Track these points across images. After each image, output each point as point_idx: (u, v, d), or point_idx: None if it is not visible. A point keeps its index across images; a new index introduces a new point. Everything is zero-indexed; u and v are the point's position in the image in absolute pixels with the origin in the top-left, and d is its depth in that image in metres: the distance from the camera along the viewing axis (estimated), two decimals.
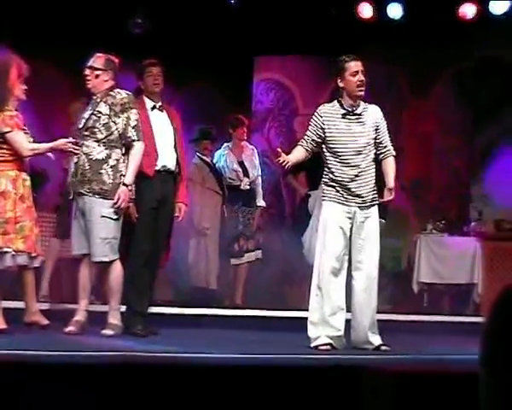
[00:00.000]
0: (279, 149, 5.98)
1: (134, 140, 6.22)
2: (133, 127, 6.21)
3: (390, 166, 6.04)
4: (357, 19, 10.04)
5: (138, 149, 6.24)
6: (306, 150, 6.03)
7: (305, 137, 6.04)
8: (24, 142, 5.97)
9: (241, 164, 9.32)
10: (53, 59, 9.21)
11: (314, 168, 6.11)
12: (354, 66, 5.93)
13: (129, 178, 6.19)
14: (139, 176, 6.35)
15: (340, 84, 5.98)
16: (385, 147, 6.04)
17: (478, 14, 9.82)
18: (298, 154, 6.05)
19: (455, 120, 10.45)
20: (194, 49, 9.70)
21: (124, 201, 6.13)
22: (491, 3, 9.76)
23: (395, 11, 10.02)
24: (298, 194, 9.89)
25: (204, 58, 9.82)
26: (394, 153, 6.09)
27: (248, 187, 9.27)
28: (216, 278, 8.99)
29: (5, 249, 5.87)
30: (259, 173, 9.47)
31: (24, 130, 6.02)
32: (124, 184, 6.15)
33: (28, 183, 6.06)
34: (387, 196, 5.99)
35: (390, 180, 6.01)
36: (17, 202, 5.94)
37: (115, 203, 6.11)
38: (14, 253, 5.90)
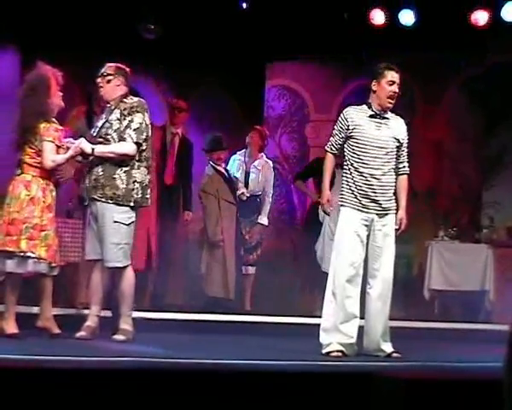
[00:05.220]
0: (325, 201, 6.03)
1: (130, 141, 6.18)
2: (134, 130, 6.17)
3: (403, 187, 6.04)
4: (370, 25, 10.03)
5: (128, 146, 6.16)
6: (336, 156, 6.05)
7: (333, 140, 6.01)
8: (50, 154, 6.06)
9: (247, 174, 9.26)
10: (63, 65, 9.22)
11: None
12: (392, 76, 5.92)
13: (99, 149, 6.13)
14: None
15: (374, 88, 5.96)
16: (402, 162, 6.04)
17: (490, 20, 9.80)
18: (332, 169, 6.06)
19: (466, 125, 10.41)
20: (205, 55, 9.71)
21: None
22: (503, 9, 9.74)
23: (407, 18, 10.01)
24: (308, 200, 9.85)
25: (216, 63, 9.82)
26: (408, 171, 6.09)
27: (245, 198, 9.12)
28: (234, 288, 8.81)
29: (28, 254, 5.96)
30: (270, 190, 9.32)
31: (62, 146, 6.12)
32: (92, 153, 6.12)
33: (54, 194, 6.18)
34: (397, 225, 5.96)
35: (401, 209, 5.99)
36: (44, 210, 6.06)
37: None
38: (36, 259, 5.98)
